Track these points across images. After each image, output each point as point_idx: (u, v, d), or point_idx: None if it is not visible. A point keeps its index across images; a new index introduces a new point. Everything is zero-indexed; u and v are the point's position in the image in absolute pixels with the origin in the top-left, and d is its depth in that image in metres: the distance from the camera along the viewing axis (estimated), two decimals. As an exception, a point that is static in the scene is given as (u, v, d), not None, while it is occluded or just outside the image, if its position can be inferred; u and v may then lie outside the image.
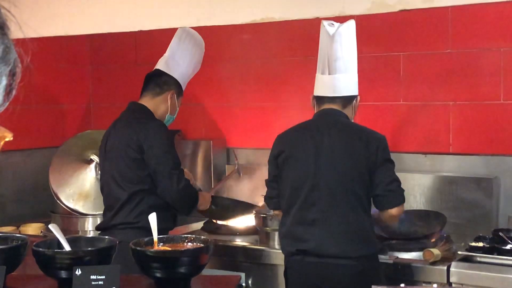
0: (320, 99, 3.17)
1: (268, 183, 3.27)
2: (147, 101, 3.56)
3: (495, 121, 3.73)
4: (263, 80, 4.40)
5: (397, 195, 3.03)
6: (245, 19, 4.12)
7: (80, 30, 4.50)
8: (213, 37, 4.49)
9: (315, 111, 3.19)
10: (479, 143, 3.76)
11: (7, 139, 0.91)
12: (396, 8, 3.70)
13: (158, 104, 3.56)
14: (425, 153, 3.90)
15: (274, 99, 4.38)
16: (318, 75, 3.17)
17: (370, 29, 4.00)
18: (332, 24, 3.16)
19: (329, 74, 3.11)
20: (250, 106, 4.46)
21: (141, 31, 4.48)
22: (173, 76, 3.60)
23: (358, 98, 3.18)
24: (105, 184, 3.54)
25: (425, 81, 3.91)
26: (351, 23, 3.17)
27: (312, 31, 4.23)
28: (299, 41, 4.29)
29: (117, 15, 4.38)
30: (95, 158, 4.14)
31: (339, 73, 3.10)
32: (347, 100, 3.13)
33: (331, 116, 3.11)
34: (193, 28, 4.08)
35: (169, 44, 3.75)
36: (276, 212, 3.30)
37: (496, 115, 3.73)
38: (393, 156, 3.16)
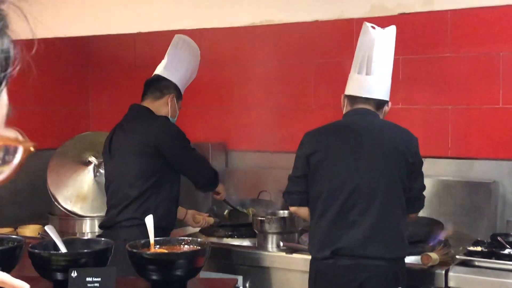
0: (353, 99, 3.12)
1: (292, 178, 3.15)
2: (149, 104, 3.65)
3: (494, 125, 3.72)
4: (262, 83, 4.39)
5: (422, 202, 3.15)
6: (244, 21, 4.12)
7: (79, 32, 4.50)
8: (212, 39, 4.48)
9: (345, 111, 3.15)
10: (477, 147, 3.75)
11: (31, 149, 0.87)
12: (395, 12, 3.70)
13: (159, 107, 3.64)
14: (423, 157, 3.88)
15: (273, 102, 4.37)
16: (354, 75, 3.14)
17: (369, 32, 3.99)
18: (374, 27, 3.16)
19: (366, 74, 3.10)
20: (249, 109, 4.45)
21: (140, 33, 4.48)
22: (172, 80, 3.68)
23: (390, 104, 3.17)
24: (111, 182, 3.60)
25: (424, 85, 3.90)
26: (393, 29, 3.17)
27: (311, 34, 4.24)
28: (298, 44, 4.28)
29: (116, 17, 4.37)
30: (93, 160, 4.14)
31: (377, 75, 3.09)
32: (379, 104, 3.11)
33: (367, 116, 3.08)
34: (192, 30, 4.08)
35: (167, 47, 3.76)
36: (294, 208, 3.21)
37: (495, 120, 3.72)
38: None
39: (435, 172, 3.85)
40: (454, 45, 3.80)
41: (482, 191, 3.66)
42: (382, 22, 3.86)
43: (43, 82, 4.75)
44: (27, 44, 0.90)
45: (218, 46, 4.49)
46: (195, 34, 4.44)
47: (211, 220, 3.97)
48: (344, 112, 3.16)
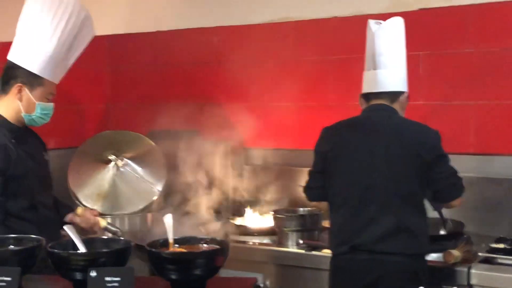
0: (366, 96, 3.17)
1: (312, 173, 3.23)
2: None
3: (516, 121, 3.69)
4: (280, 80, 4.38)
5: (459, 187, 3.08)
6: (262, 19, 4.11)
7: (99, 30, 4.51)
8: (231, 37, 4.48)
9: (363, 109, 3.19)
10: (499, 143, 3.72)
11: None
12: (415, 7, 3.67)
13: (6, 106, 2.92)
14: (445, 153, 3.85)
15: (292, 100, 4.36)
16: (364, 73, 3.19)
17: (389, 28, 3.96)
18: (380, 22, 3.16)
19: (373, 69, 3.13)
20: (268, 106, 4.44)
21: (159, 32, 4.49)
22: (20, 64, 2.89)
23: (406, 94, 3.16)
24: None
25: (445, 80, 3.87)
26: (397, 20, 3.16)
27: (330, 30, 4.21)
28: (317, 41, 4.26)
29: (135, 16, 4.39)
30: (113, 158, 4.16)
31: (383, 68, 3.11)
32: (393, 96, 3.12)
33: (382, 112, 3.10)
34: (210, 28, 4.07)
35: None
36: (314, 203, 3.30)
37: (517, 115, 3.68)
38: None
39: (457, 168, 3.80)
40: (474, 41, 3.76)
41: (504, 187, 3.63)
42: (401, 17, 3.84)
43: (63, 81, 4.76)
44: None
45: (236, 43, 4.49)
46: (214, 32, 4.44)
47: (103, 221, 3.36)
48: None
